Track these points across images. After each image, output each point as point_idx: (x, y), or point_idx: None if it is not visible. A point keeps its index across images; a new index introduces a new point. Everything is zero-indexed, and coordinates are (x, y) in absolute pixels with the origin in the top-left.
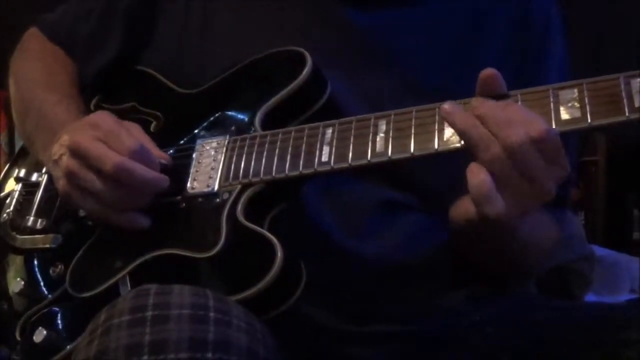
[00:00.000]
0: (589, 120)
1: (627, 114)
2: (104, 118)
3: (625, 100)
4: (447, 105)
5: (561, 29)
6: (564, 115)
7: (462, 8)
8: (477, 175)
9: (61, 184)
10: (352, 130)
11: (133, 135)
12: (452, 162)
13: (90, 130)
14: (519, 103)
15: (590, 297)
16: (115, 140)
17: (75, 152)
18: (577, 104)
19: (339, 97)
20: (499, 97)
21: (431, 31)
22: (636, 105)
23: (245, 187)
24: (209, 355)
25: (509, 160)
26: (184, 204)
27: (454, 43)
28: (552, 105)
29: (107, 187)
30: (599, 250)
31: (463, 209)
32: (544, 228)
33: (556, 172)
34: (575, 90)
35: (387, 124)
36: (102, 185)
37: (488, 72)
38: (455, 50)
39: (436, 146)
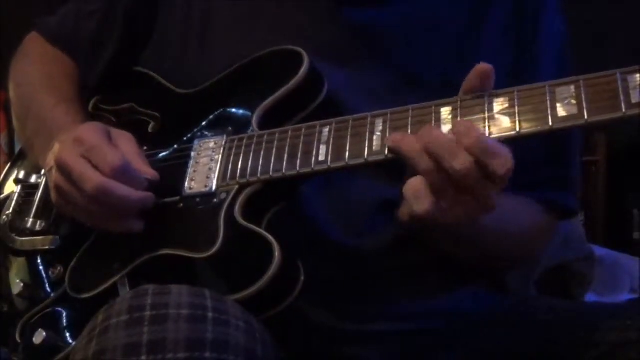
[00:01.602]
0: (586, 117)
1: (624, 110)
2: (89, 132)
3: (622, 97)
4: (396, 136)
5: (557, 12)
6: (561, 112)
7: (461, 1)
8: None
9: (52, 194)
10: (349, 129)
11: (119, 150)
12: None
13: (75, 145)
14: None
15: (590, 297)
16: (99, 157)
17: (60, 168)
18: (573, 101)
19: (339, 93)
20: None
21: (430, 25)
22: (633, 101)
23: (242, 187)
24: (207, 354)
25: (453, 187)
26: (181, 205)
27: (453, 36)
28: (548, 102)
29: (91, 205)
30: (599, 250)
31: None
32: (517, 219)
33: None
34: (572, 87)
35: (384, 122)
36: (86, 203)
37: (484, 67)
38: (455, 43)
39: None
